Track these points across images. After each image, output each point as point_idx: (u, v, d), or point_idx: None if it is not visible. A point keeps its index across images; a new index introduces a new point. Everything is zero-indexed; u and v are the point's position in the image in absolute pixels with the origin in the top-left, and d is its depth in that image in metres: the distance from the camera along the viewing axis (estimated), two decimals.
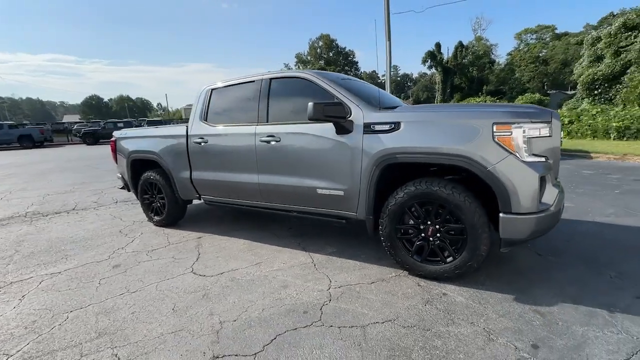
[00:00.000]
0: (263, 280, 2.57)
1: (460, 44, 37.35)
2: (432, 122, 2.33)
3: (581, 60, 20.35)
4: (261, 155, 3.09)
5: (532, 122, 2.08)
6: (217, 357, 1.71)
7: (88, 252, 3.37)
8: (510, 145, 2.07)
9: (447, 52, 37.66)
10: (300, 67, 53.00)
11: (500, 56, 48.38)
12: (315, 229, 3.72)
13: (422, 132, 2.32)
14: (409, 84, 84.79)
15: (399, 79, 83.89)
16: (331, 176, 2.71)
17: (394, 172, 2.51)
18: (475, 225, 2.19)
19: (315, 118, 2.50)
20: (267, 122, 3.10)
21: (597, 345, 1.69)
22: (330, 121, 2.58)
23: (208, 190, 3.66)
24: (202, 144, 3.52)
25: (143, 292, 2.44)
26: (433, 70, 39.17)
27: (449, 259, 2.36)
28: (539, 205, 2.08)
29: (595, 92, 18.54)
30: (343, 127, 2.58)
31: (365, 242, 3.23)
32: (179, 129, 3.88)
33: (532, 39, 48.71)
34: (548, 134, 2.13)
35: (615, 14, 32.59)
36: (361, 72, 58.96)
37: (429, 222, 2.38)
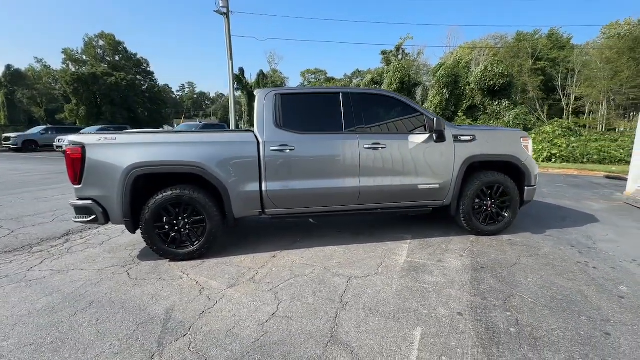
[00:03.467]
0: (432, 267, 3.04)
1: (262, 72, 42.30)
2: (493, 137, 3.74)
3: None
4: (365, 161, 3.40)
5: (528, 137, 3.92)
6: None
7: None
8: (527, 149, 3.81)
9: (250, 78, 41.48)
10: (70, 66, 41.86)
11: None
12: (360, 227, 4.24)
13: (490, 143, 3.68)
14: (206, 102, 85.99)
15: (195, 96, 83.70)
16: (431, 174, 3.55)
17: (473, 168, 3.72)
18: (515, 199, 3.76)
19: (439, 130, 3.31)
20: (352, 130, 3.43)
21: (545, 244, 3.64)
22: (441, 132, 3.45)
23: (287, 201, 3.35)
24: (287, 151, 3.25)
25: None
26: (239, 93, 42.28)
27: (500, 218, 3.84)
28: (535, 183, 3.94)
29: None
30: (443, 136, 3.52)
31: (421, 224, 4.19)
32: (240, 135, 3.27)
33: (312, 78, 60.86)
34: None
35: (360, 70, 49.88)
36: (157, 83, 53.38)
37: (489, 199, 3.76)
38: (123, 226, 4.13)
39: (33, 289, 2.64)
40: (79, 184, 3.01)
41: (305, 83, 60.07)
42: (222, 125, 16.48)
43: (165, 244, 3.15)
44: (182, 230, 3.17)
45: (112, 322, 2.15)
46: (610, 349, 1.83)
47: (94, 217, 3.03)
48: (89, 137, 3.01)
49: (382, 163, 3.45)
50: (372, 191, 3.48)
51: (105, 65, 43.43)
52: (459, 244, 3.56)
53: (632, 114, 32.86)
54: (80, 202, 3.02)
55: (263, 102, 3.35)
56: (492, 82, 17.25)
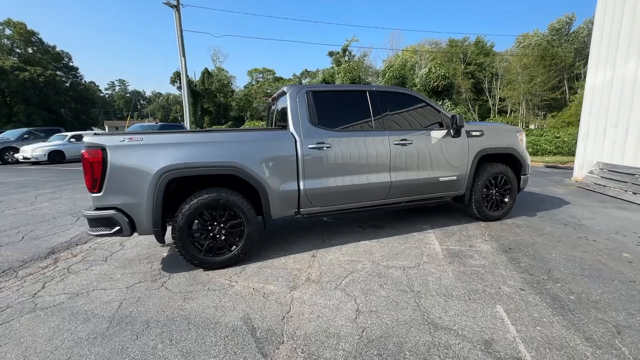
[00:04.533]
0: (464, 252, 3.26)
1: (207, 71, 40.39)
2: (496, 131, 4.14)
3: None
4: (395, 156, 3.52)
5: (522, 132, 4.42)
6: None
7: None
8: (522, 142, 4.30)
9: (194, 76, 39.13)
10: None
11: (239, 87, 55.31)
12: (379, 221, 4.37)
13: (495, 137, 4.07)
14: (141, 102, 79.75)
15: (128, 95, 77.15)
16: (450, 167, 3.81)
17: (482, 161, 4.07)
18: (514, 187, 4.22)
19: (461, 125, 3.58)
20: (380, 127, 3.55)
21: (545, 224, 4.23)
22: (461, 128, 3.72)
23: (323, 199, 3.32)
24: (324, 149, 3.22)
25: None
26: (178, 91, 39.84)
27: (503, 205, 4.26)
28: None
29: None
30: (459, 131, 3.80)
31: (433, 215, 4.45)
32: (277, 133, 3.15)
33: (260, 77, 59.24)
34: None
35: (308, 70, 51.12)
36: (83, 80, 47.81)
37: (494, 188, 4.17)
38: (119, 239, 3.77)
39: (58, 316, 2.24)
40: (98, 191, 2.62)
41: (253, 82, 58.45)
42: (181, 125, 15.30)
43: (200, 252, 2.89)
44: (218, 236, 2.95)
45: (190, 340, 1.94)
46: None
47: (117, 228, 2.66)
48: (110, 138, 2.64)
49: (410, 158, 3.61)
50: (401, 185, 3.61)
51: (15, 58, 37.46)
52: (475, 230, 3.88)
53: (544, 113, 38.52)
54: (100, 213, 2.63)
55: (296, 100, 3.27)
56: (435, 83, 18.49)
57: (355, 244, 3.51)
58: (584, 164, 6.96)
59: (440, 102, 19.63)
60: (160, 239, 2.84)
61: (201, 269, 2.94)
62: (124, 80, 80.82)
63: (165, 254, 3.37)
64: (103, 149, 2.58)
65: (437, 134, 3.74)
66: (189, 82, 35.85)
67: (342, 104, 3.54)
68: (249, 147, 3.00)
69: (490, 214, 4.17)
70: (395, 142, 3.51)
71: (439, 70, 18.83)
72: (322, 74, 25.98)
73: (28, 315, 2.27)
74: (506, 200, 4.26)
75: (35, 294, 2.57)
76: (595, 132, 6.63)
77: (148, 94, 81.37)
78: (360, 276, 2.73)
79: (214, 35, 49.89)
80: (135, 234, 2.80)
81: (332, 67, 26.59)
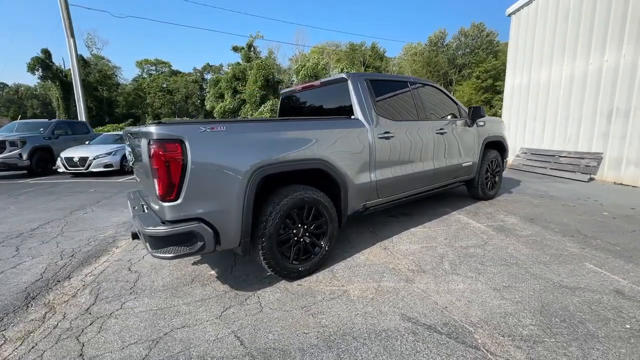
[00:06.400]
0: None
1: (83, 58, 32.79)
2: (493, 122, 4.76)
3: (209, 96, 26.43)
4: (436, 144, 3.72)
5: (504, 122, 5.21)
6: None
7: None
8: (505, 131, 5.09)
9: (63, 64, 31.29)
10: None
11: (128, 80, 47.88)
12: (403, 210, 4.55)
13: (493, 127, 4.70)
14: None
15: None
16: (468, 153, 4.24)
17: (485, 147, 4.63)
18: (502, 169, 4.98)
19: (482, 116, 4.00)
20: (423, 117, 3.73)
21: (533, 198, 5.21)
22: (476, 118, 4.15)
23: (387, 190, 3.25)
24: (390, 138, 3.17)
25: None
26: (40, 81, 31.39)
27: (495, 185, 4.97)
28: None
29: None
30: (474, 122, 4.25)
31: (440, 199, 4.84)
32: (353, 122, 2.92)
33: (152, 70, 51.39)
34: None
35: (211, 64, 48.24)
36: None
37: (489, 171, 4.82)
38: (110, 263, 2.97)
39: None
40: (175, 198, 1.97)
41: (145, 75, 51.16)
42: (83, 122, 12.28)
43: (289, 260, 2.49)
44: (301, 239, 2.59)
45: (383, 352, 1.68)
46: None
47: (200, 245, 2.06)
48: (187, 128, 2.01)
49: (445, 146, 3.87)
50: (440, 171, 3.84)
51: None
52: (489, 208, 4.42)
53: None
54: (178, 227, 1.98)
55: (358, 87, 3.10)
56: None
57: (408, 232, 3.56)
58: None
59: None
60: (249, 251, 2.32)
61: (283, 280, 2.53)
62: None
63: (213, 271, 2.76)
64: (181, 142, 1.95)
65: (460, 124, 4.11)
66: (57, 71, 28.55)
67: (392, 92, 3.53)
68: (333, 138, 2.72)
69: (489, 193, 4.81)
70: (436, 132, 3.71)
71: (351, 70, 20.13)
72: (232, 70, 24.59)
73: None
74: (496, 180, 4.99)
75: (129, 344, 1.78)
76: (517, 123, 8.32)
77: None
78: (453, 259, 2.81)
79: (113, 15, 41.02)
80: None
81: (240, 63, 25.47)
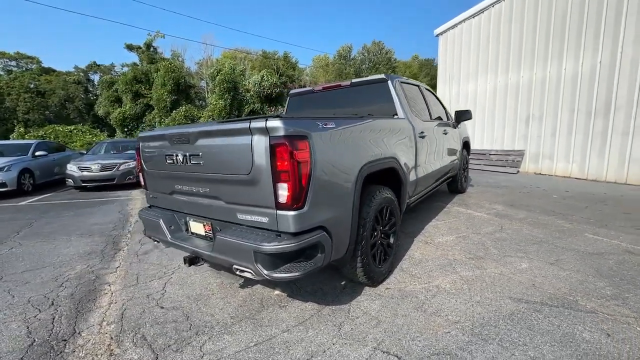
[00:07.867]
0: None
1: None
2: (463, 125, 5.45)
3: (101, 99, 23.42)
4: (444, 143, 4.09)
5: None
6: None
7: None
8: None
9: None
10: None
11: None
12: None
13: (465, 129, 5.39)
14: None
15: None
16: (456, 152, 4.77)
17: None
18: (468, 164, 5.75)
19: (468, 118, 4.58)
20: (433, 119, 4.07)
21: (498, 186, 6.19)
22: (462, 120, 4.70)
23: (419, 187, 3.39)
24: (424, 137, 3.35)
25: None
26: None
27: (468, 179, 5.70)
28: None
29: (126, 128, 21.58)
30: (459, 123, 4.82)
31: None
32: (403, 121, 2.96)
33: (12, 65, 41.55)
34: None
35: (99, 64, 42.36)
36: None
37: (463, 168, 5.52)
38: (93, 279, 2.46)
39: None
40: (303, 205, 1.69)
41: (1, 72, 40.54)
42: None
43: (376, 263, 2.40)
44: (379, 241, 2.52)
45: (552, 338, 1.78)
46: (614, 213, 3.91)
47: (321, 257, 1.82)
48: (308, 123, 1.75)
49: (448, 145, 4.28)
50: (446, 168, 4.22)
51: None
52: (471, 199, 5.06)
53: None
54: (304, 240, 1.70)
55: (398, 87, 3.19)
56: (269, 90, 19.40)
57: (430, 226, 3.80)
58: None
59: (274, 109, 20.73)
60: (348, 260, 2.13)
61: (365, 287, 2.42)
62: None
63: (277, 291, 2.44)
64: (308, 139, 1.69)
65: (451, 125, 4.60)
66: None
67: (413, 95, 3.71)
68: (397, 137, 2.73)
69: (465, 187, 5.50)
70: (443, 132, 4.08)
71: (271, 78, 19.89)
72: (132, 71, 21.59)
73: None
74: (466, 175, 5.74)
75: None
76: None
77: None
78: (494, 245, 3.13)
79: None
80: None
81: (137, 64, 22.88)
